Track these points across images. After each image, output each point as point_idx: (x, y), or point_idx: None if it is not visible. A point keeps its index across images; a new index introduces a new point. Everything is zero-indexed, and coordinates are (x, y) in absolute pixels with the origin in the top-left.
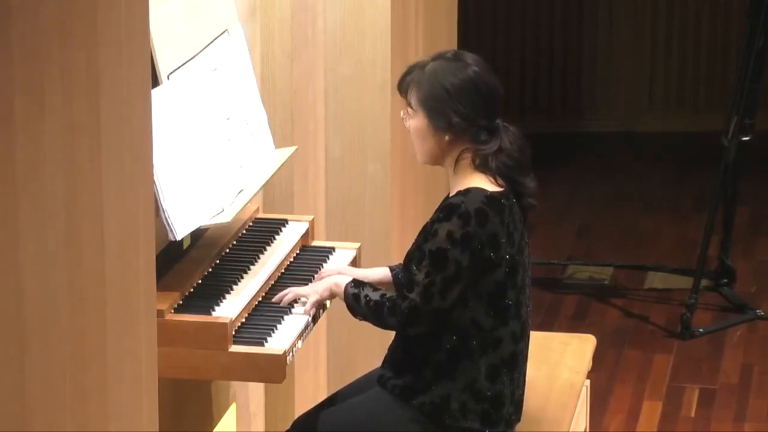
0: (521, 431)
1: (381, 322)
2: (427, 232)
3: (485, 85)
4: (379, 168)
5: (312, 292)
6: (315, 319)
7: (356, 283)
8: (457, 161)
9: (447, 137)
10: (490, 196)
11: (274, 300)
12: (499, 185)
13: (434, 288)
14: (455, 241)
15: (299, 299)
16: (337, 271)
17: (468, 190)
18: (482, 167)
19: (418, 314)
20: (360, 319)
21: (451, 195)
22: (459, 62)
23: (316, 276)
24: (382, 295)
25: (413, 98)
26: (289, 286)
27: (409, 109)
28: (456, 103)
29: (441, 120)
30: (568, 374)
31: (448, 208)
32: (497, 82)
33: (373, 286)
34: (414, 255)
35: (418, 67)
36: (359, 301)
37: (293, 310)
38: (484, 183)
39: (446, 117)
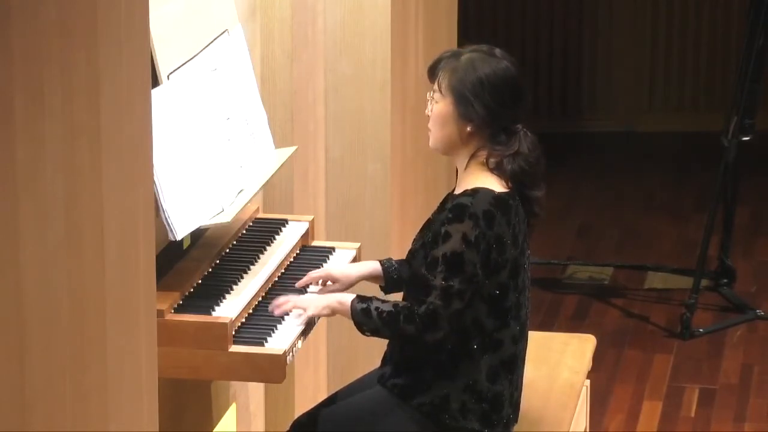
0: (522, 431)
1: (396, 332)
2: (436, 235)
3: (517, 86)
4: (379, 168)
5: (312, 306)
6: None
7: (362, 297)
8: (471, 158)
9: (468, 128)
10: (498, 197)
11: (269, 309)
12: (508, 187)
13: (453, 290)
14: (470, 243)
15: (293, 310)
16: (326, 273)
17: (476, 190)
18: (497, 169)
19: (438, 318)
20: (369, 335)
21: (456, 192)
22: (495, 57)
23: (305, 277)
24: (395, 305)
25: (444, 83)
26: (289, 287)
27: (436, 94)
28: (486, 96)
29: (467, 109)
30: (568, 374)
31: (458, 209)
32: (526, 87)
33: (380, 298)
34: (418, 254)
35: (451, 54)
36: (369, 314)
37: (285, 318)
38: (494, 184)
39: (473, 107)
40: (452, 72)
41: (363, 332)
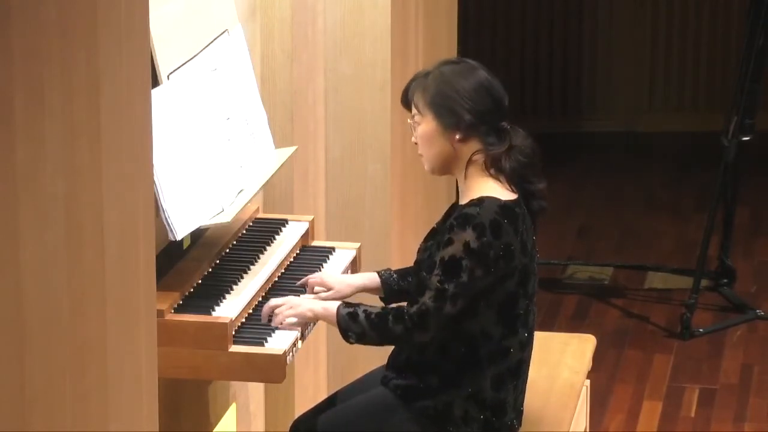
0: (522, 431)
1: (384, 333)
2: (439, 241)
3: (493, 88)
4: (379, 168)
5: (296, 307)
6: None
7: (348, 303)
8: (468, 165)
9: (457, 135)
10: (504, 206)
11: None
12: (512, 191)
13: (447, 294)
14: (472, 251)
15: (276, 310)
16: (321, 280)
17: (481, 200)
18: (495, 169)
19: (427, 319)
20: (353, 342)
21: (462, 202)
22: (463, 63)
23: (303, 281)
24: (383, 308)
25: (420, 102)
26: (289, 287)
27: (416, 117)
28: (466, 100)
29: (450, 117)
30: (568, 374)
31: (464, 218)
32: (502, 88)
33: (367, 304)
34: (425, 264)
35: (420, 75)
36: (356, 318)
37: (272, 320)
38: (497, 190)
39: (456, 113)
40: (424, 89)
41: (347, 339)
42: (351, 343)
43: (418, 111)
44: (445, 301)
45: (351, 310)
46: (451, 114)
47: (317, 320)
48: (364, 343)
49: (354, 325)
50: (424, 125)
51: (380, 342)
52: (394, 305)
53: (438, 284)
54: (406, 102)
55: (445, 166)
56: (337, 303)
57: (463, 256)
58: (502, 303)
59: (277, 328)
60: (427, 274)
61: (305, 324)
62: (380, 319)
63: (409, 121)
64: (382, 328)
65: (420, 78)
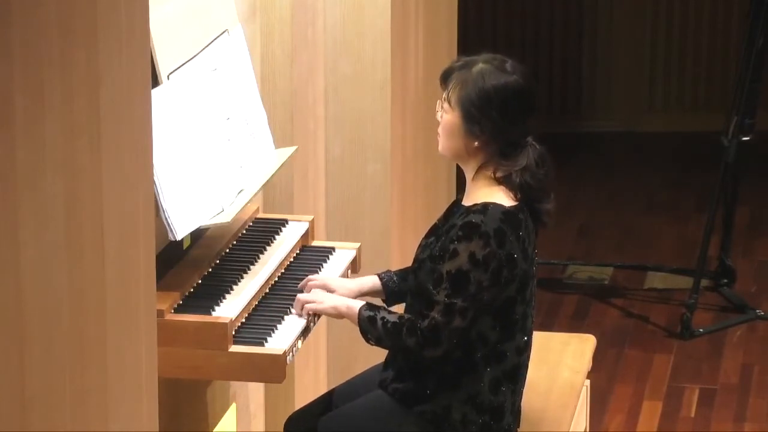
0: (522, 431)
1: (398, 344)
2: (443, 250)
3: (525, 101)
4: (379, 168)
5: (322, 302)
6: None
7: (371, 306)
8: (479, 169)
9: (476, 143)
10: (507, 212)
11: (298, 313)
12: (517, 199)
13: (455, 308)
14: (477, 262)
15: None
16: (323, 282)
17: (486, 207)
18: (505, 182)
19: (438, 334)
20: (373, 344)
21: (465, 203)
22: (505, 72)
23: (303, 282)
24: (400, 317)
25: (454, 95)
26: (289, 286)
27: (446, 104)
28: (494, 113)
29: (475, 125)
30: (568, 374)
31: (468, 228)
32: (535, 101)
33: (388, 309)
34: (425, 264)
35: (465, 64)
36: (375, 323)
37: (292, 311)
38: (503, 197)
39: (480, 124)
40: (462, 85)
41: (367, 340)
42: (371, 344)
43: (449, 102)
44: (454, 316)
45: (371, 314)
46: (476, 122)
47: (340, 318)
48: (381, 347)
49: (372, 329)
50: (451, 117)
51: (394, 350)
52: (408, 316)
53: (446, 299)
54: (444, 83)
55: (456, 159)
56: (360, 303)
57: (470, 268)
58: (499, 308)
59: (278, 327)
60: (426, 276)
61: (309, 321)
62: (395, 328)
63: (438, 101)
64: (396, 338)
65: (464, 68)
